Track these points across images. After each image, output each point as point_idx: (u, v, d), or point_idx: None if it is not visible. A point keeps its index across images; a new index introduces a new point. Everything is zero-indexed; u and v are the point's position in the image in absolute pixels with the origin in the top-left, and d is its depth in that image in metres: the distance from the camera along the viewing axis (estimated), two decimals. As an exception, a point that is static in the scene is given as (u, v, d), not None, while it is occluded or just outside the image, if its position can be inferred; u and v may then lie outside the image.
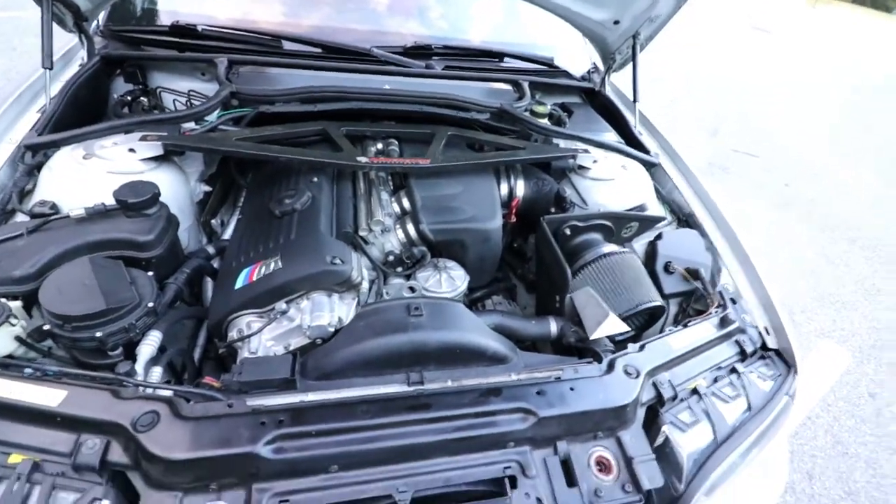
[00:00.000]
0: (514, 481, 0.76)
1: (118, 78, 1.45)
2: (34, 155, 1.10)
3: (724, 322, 1.09)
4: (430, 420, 0.77)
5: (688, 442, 0.90)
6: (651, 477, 0.81)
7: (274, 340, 0.92)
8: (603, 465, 0.83)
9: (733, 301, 1.18)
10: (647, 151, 1.54)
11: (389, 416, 0.76)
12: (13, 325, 0.79)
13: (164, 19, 1.54)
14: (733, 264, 1.29)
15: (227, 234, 1.26)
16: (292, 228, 1.02)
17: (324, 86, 1.33)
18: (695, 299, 1.22)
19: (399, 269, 1.11)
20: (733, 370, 1.05)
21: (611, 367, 0.92)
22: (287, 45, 1.49)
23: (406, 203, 1.18)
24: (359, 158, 1.13)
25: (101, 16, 1.51)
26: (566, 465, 0.81)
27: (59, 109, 1.18)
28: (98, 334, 0.80)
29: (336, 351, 0.82)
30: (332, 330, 0.90)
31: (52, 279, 0.82)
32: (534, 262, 1.42)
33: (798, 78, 8.21)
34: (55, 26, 1.27)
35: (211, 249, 1.15)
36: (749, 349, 1.09)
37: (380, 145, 1.30)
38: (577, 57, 1.93)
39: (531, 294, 1.47)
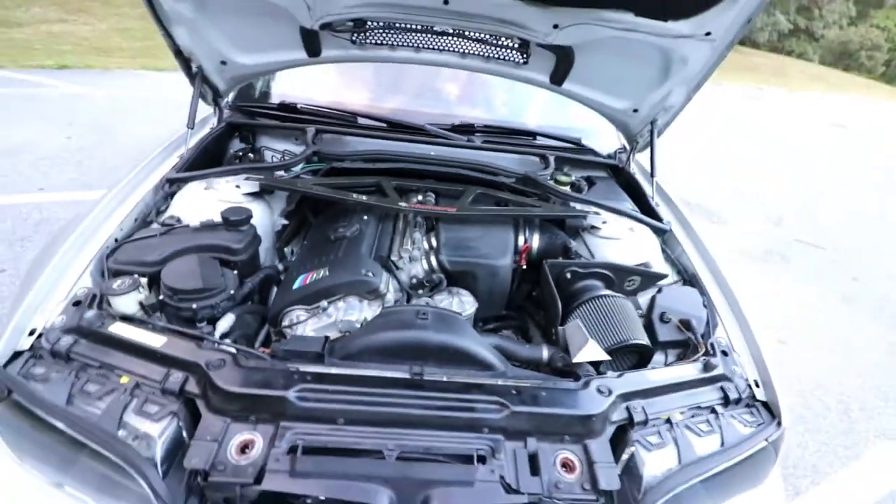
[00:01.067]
0: (483, 459, 0.91)
1: (235, 139, 1.92)
2: (171, 185, 1.51)
3: (707, 367, 1.19)
4: (421, 398, 0.96)
5: (651, 460, 0.99)
6: (609, 480, 0.91)
7: (315, 331, 1.17)
8: (567, 466, 0.95)
9: (724, 353, 1.27)
10: (659, 219, 1.72)
11: (389, 389, 0.96)
12: (140, 294, 1.12)
13: (274, 99, 2.03)
14: (731, 323, 1.38)
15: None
16: (340, 249, 1.31)
17: (382, 150, 1.69)
18: (691, 350, 1.32)
19: (420, 292, 1.35)
20: (713, 411, 1.13)
21: (586, 385, 1.06)
22: (360, 120, 1.90)
23: (433, 241, 1.44)
24: (401, 204, 1.44)
25: (231, 94, 2.04)
26: (533, 459, 0.94)
27: (193, 156, 1.62)
28: (193, 306, 1.10)
29: (356, 338, 1.06)
30: (358, 326, 1.14)
31: (170, 265, 1.15)
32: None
33: (872, 174, 7.87)
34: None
35: (280, 267, 1.47)
36: (733, 396, 1.16)
37: (420, 197, 1.60)
38: (608, 138, 2.20)
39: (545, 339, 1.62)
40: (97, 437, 0.85)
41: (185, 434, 0.91)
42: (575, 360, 1.12)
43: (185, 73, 1.70)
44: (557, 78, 1.75)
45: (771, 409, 1.18)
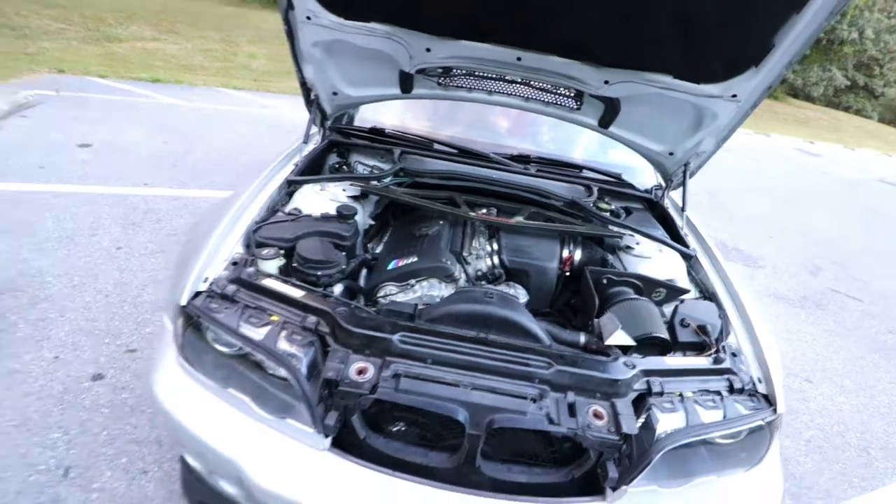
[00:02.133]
0: (534, 399, 1.22)
1: (332, 154, 2.34)
2: (290, 186, 1.93)
3: (716, 360, 1.45)
4: (488, 352, 1.28)
5: (664, 419, 1.27)
6: (629, 426, 1.20)
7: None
8: (597, 415, 1.24)
9: (734, 354, 1.52)
10: (686, 246, 2.00)
11: (464, 344, 1.29)
12: (280, 261, 1.50)
13: (365, 123, 2.46)
14: (742, 335, 1.64)
15: (377, 252, 1.96)
16: (424, 243, 1.67)
17: (455, 171, 2.06)
18: (704, 354, 1.59)
19: (483, 283, 1.68)
20: (719, 394, 1.39)
21: (615, 359, 1.35)
22: (436, 146, 2.30)
23: (495, 245, 1.79)
24: (470, 213, 1.79)
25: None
26: (571, 406, 1.24)
27: (305, 165, 2.04)
28: (318, 273, 1.47)
29: (438, 308, 1.40)
30: (438, 300, 1.48)
31: (302, 242, 1.54)
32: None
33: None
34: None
35: (369, 256, 1.84)
36: (738, 386, 1.42)
37: (484, 210, 1.95)
38: (648, 175, 2.52)
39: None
40: (264, 349, 1.22)
41: (318, 359, 1.27)
42: (606, 342, 1.42)
43: (304, 99, 2.15)
44: (605, 122, 2.09)
45: (770, 401, 1.42)
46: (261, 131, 6.32)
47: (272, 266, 1.49)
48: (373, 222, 2.02)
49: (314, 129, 2.37)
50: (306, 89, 2.10)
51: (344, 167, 2.27)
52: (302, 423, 1.21)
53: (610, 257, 1.82)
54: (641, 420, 1.28)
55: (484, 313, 1.37)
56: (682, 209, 2.18)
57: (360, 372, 1.21)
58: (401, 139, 2.32)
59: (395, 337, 1.26)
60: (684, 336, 1.59)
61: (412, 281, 1.53)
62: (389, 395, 1.16)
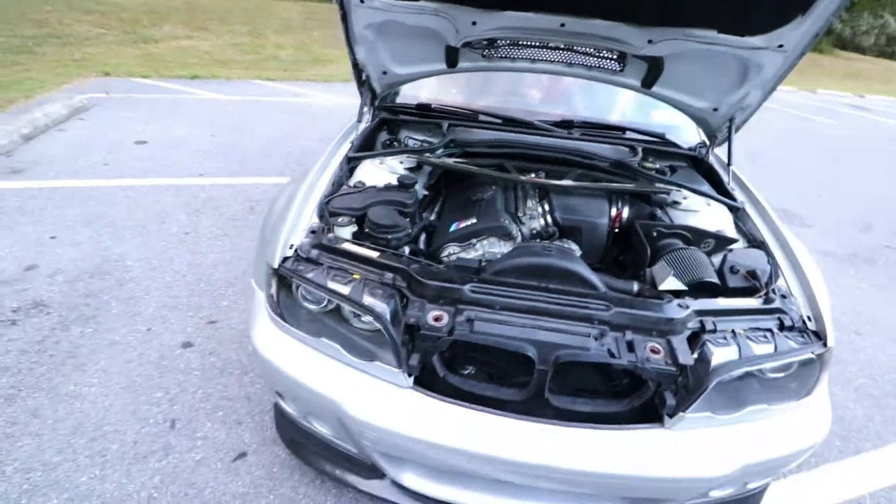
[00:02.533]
0: (595, 338, 1.34)
1: (383, 131, 2.48)
2: (349, 162, 2.08)
3: (767, 300, 1.53)
4: (552, 298, 1.40)
5: (718, 352, 1.36)
6: (685, 357, 1.30)
7: (465, 261, 1.66)
8: (654, 351, 1.35)
9: (783, 296, 1.59)
10: (734, 199, 2.04)
11: (529, 292, 1.41)
12: (353, 227, 1.66)
13: (411, 100, 2.57)
14: (792, 279, 1.69)
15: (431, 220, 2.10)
16: (482, 206, 1.79)
17: (503, 139, 2.16)
18: (754, 296, 1.65)
19: (538, 241, 1.79)
20: (770, 331, 1.47)
21: (669, 301, 1.45)
22: (482, 117, 2.39)
23: (546, 206, 1.89)
24: (521, 177, 1.90)
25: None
26: (630, 343, 1.35)
27: (360, 142, 2.19)
28: (388, 237, 1.62)
29: (502, 261, 1.52)
30: (499, 257, 1.61)
31: (372, 210, 1.69)
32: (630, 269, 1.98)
33: None
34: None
35: (429, 221, 1.98)
36: (788, 324, 1.49)
37: (533, 174, 2.05)
38: (691, 132, 2.54)
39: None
40: (353, 302, 1.38)
41: (398, 310, 1.42)
42: (660, 287, 1.52)
43: (356, 80, 2.28)
44: (648, 82, 2.13)
45: (820, 336, 1.48)
46: (297, 119, 6.53)
47: (346, 232, 1.65)
48: (427, 192, 2.16)
49: (365, 109, 2.51)
50: (358, 71, 2.22)
51: (395, 143, 2.40)
52: (388, 365, 1.37)
53: (658, 212, 1.89)
54: (696, 354, 1.38)
55: (544, 265, 1.49)
56: (728, 164, 2.21)
57: (437, 319, 1.35)
58: (448, 113, 2.42)
59: (466, 287, 1.39)
60: (734, 282, 1.66)
61: (473, 240, 1.66)
62: (465, 336, 1.30)
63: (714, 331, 1.41)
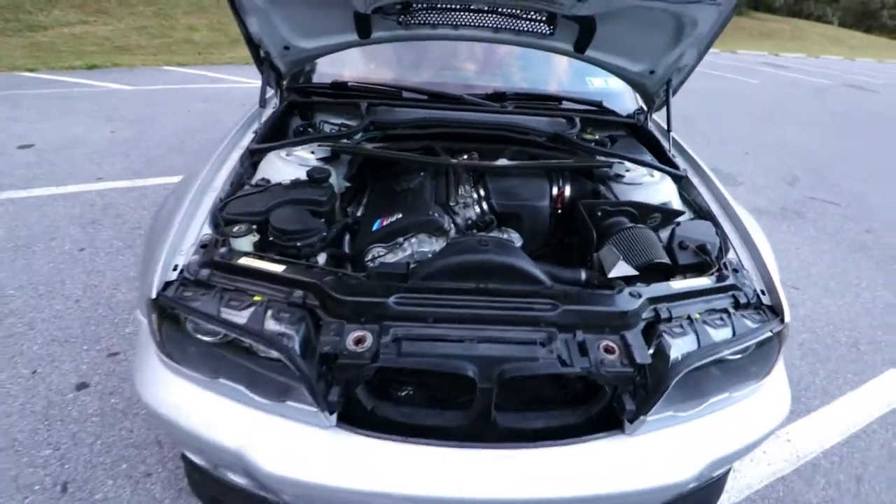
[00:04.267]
0: (542, 344, 1.16)
1: (295, 116, 2.17)
2: (252, 155, 1.77)
3: (720, 278, 1.42)
4: (490, 302, 1.21)
5: (675, 344, 1.23)
6: (643, 356, 1.16)
7: (393, 264, 1.43)
8: (608, 350, 1.19)
9: (735, 270, 1.49)
10: (676, 167, 1.93)
11: (464, 297, 1.21)
12: (253, 237, 1.38)
13: (326, 78, 2.26)
14: (741, 249, 1.60)
15: (358, 215, 1.85)
16: (408, 197, 1.56)
17: (429, 118, 1.92)
18: (707, 273, 1.55)
19: (474, 231, 1.59)
20: (725, 311, 1.36)
21: (620, 291, 1.29)
22: (405, 94, 2.13)
23: (481, 191, 1.69)
24: (451, 160, 1.68)
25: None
26: (581, 345, 1.19)
27: (266, 131, 1.88)
28: (297, 244, 1.36)
29: (432, 262, 1.31)
30: (430, 257, 1.39)
31: (276, 213, 1.41)
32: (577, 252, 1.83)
33: (890, 134, 7.85)
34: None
35: (350, 220, 1.73)
36: (743, 301, 1.39)
37: (465, 155, 1.84)
38: (627, 99, 2.41)
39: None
40: (252, 334, 1.12)
41: (311, 334, 1.18)
42: (609, 275, 1.37)
43: (254, 59, 1.95)
44: (581, 46, 1.96)
45: (776, 311, 1.40)
46: (215, 106, 5.95)
47: (246, 243, 1.37)
48: (349, 184, 1.90)
49: (270, 92, 2.18)
50: (254, 46, 1.90)
51: (309, 129, 2.11)
52: (304, 404, 1.14)
53: (601, 188, 1.74)
54: (653, 348, 1.25)
55: (480, 262, 1.29)
56: (668, 130, 2.10)
57: (358, 341, 1.13)
58: (366, 91, 2.14)
59: (390, 300, 1.17)
60: (684, 258, 1.54)
61: (400, 239, 1.43)
62: (392, 362, 1.08)
63: (669, 319, 1.28)
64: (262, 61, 1.94)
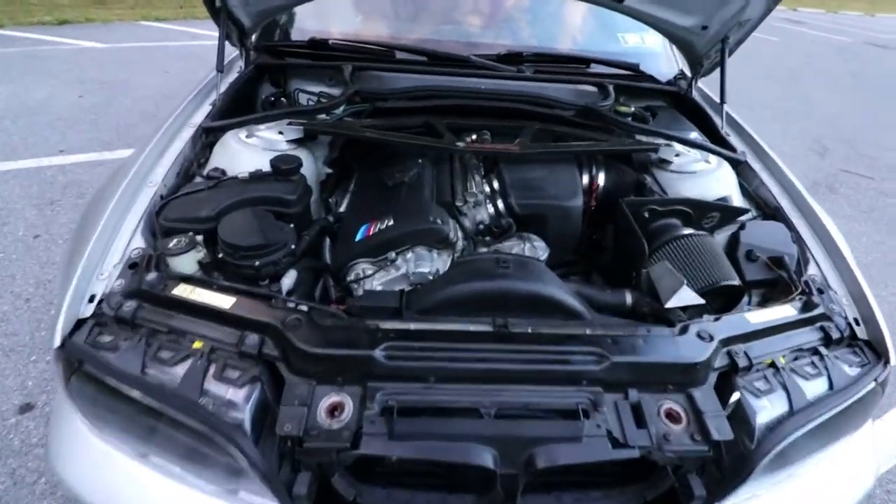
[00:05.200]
0: (586, 413, 0.85)
1: (265, 83, 1.78)
2: (208, 135, 1.41)
3: (806, 306, 1.10)
4: (514, 352, 0.89)
5: (761, 406, 0.93)
6: (720, 429, 0.85)
7: (383, 285, 1.10)
8: (672, 416, 0.89)
9: (820, 291, 1.17)
10: (733, 149, 1.56)
11: (479, 344, 0.89)
12: (198, 253, 1.05)
13: (302, 35, 1.85)
14: (823, 259, 1.27)
15: (342, 209, 1.50)
16: (402, 195, 1.21)
17: (428, 85, 1.54)
18: (779, 290, 1.23)
19: (487, 238, 1.25)
20: (816, 352, 1.05)
21: (684, 330, 0.98)
22: (399, 55, 1.73)
23: (496, 184, 1.33)
24: (458, 143, 1.31)
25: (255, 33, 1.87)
26: (636, 410, 0.89)
27: (225, 103, 1.50)
28: (256, 263, 1.03)
29: (435, 291, 0.98)
30: (431, 278, 1.07)
31: (226, 220, 1.07)
32: (610, 251, 1.49)
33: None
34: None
35: (331, 218, 1.38)
36: (835, 336, 1.08)
37: (474, 136, 1.47)
38: (663, 62, 2.01)
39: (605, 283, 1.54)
40: (181, 406, 0.81)
41: (269, 398, 0.87)
42: (668, 305, 1.04)
43: (208, 9, 1.54)
44: (621, -7, 1.54)
45: (875, 348, 1.09)
46: (195, 66, 5.40)
47: (188, 262, 1.03)
48: (330, 171, 1.54)
49: (234, 52, 1.79)
50: (205, -7, 1.49)
51: (282, 99, 1.72)
52: (261, 497, 0.84)
53: (646, 179, 1.38)
54: (729, 409, 0.94)
55: (499, 291, 0.97)
56: (722, 101, 1.71)
57: (333, 411, 0.82)
58: (351, 50, 1.74)
59: (378, 352, 0.85)
60: (753, 272, 1.22)
61: (391, 254, 1.09)
62: (380, 447, 0.78)
63: (749, 367, 0.97)
64: (219, 12, 1.53)
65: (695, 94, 1.89)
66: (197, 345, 0.90)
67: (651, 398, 0.91)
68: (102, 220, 1.07)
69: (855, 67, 8.81)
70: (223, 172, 1.26)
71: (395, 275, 1.10)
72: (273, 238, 1.06)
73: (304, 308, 0.95)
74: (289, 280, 1.08)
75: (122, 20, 7.58)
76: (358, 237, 1.14)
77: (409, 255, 1.10)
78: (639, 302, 1.13)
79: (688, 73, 1.92)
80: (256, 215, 1.09)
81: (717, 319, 1.02)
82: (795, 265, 1.23)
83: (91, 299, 0.96)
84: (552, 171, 1.33)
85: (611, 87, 1.66)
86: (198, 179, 1.28)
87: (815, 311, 1.09)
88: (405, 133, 1.41)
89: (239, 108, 1.59)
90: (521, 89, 1.57)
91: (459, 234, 1.18)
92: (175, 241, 1.03)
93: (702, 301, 1.06)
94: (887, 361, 1.06)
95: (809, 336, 1.08)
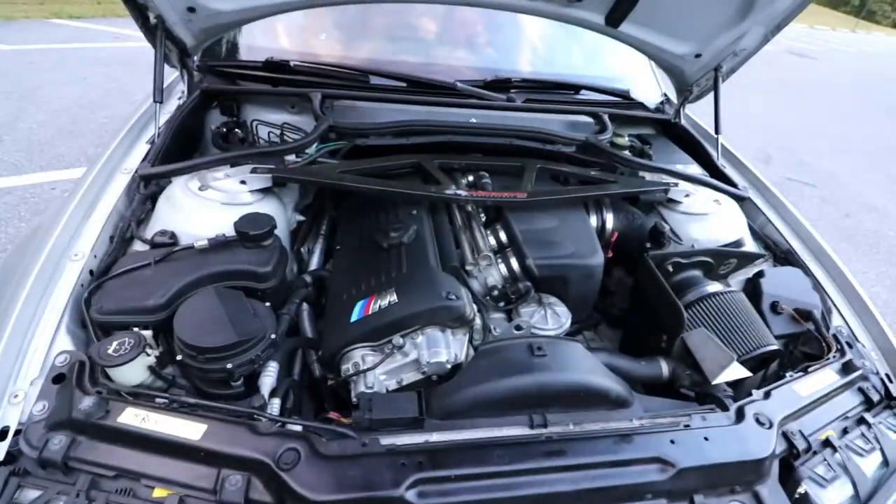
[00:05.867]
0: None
1: (214, 110, 1.51)
2: (147, 185, 1.15)
3: (847, 368, 1.03)
4: (566, 468, 0.74)
5: (828, 498, 0.84)
6: None
7: (387, 375, 0.91)
8: (742, 524, 0.78)
9: (849, 345, 1.11)
10: (734, 185, 1.50)
11: (526, 463, 0.73)
12: (148, 356, 0.81)
13: (254, 55, 1.60)
14: (843, 305, 1.22)
15: (314, 263, 1.28)
16: (402, 262, 1.02)
17: (415, 120, 1.35)
18: (802, 341, 1.16)
19: (502, 304, 1.09)
20: (862, 420, 0.98)
21: (740, 415, 0.87)
22: (373, 80, 1.53)
23: (503, 236, 1.17)
24: (458, 192, 1.14)
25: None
26: None
27: (167, 140, 1.24)
28: (228, 366, 0.81)
29: (461, 390, 0.81)
30: (449, 367, 0.89)
31: (184, 310, 0.84)
32: (618, 297, 1.38)
33: (844, 106, 8.01)
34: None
35: (308, 279, 1.16)
36: (875, 398, 1.02)
37: (471, 178, 1.30)
38: (647, 88, 1.93)
39: (612, 329, 1.43)
40: None
41: None
42: (716, 380, 0.93)
43: (140, 28, 1.27)
44: (615, 18, 1.43)
45: None
46: (119, 73, 4.89)
47: (135, 372, 0.80)
48: (302, 218, 1.32)
49: (173, 75, 1.51)
50: (136, 7, 1.22)
51: (236, 131, 1.47)
52: None
53: (666, 226, 1.26)
54: (795, 500, 0.84)
55: (537, 387, 0.81)
56: (717, 131, 1.65)
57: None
58: (317, 74, 1.52)
59: (408, 492, 0.67)
60: (780, 327, 1.15)
61: (397, 338, 0.90)
62: None
63: (808, 449, 0.87)
64: (155, 30, 1.27)
65: (682, 121, 1.83)
66: (158, 493, 0.67)
67: (717, 502, 0.79)
68: (14, 312, 0.81)
69: (781, 75, 9.47)
70: (172, 236, 1.01)
71: (402, 362, 0.91)
72: (248, 329, 0.83)
73: (297, 428, 0.74)
74: (270, 378, 0.87)
75: (29, 17, 6.74)
76: (354, 317, 0.94)
77: (420, 338, 0.91)
78: (676, 373, 1.01)
79: (673, 98, 1.85)
80: (223, 299, 0.86)
81: (767, 395, 0.92)
82: (821, 315, 1.16)
83: (4, 433, 0.70)
84: (564, 221, 1.19)
85: (606, 118, 1.55)
86: (138, 246, 1.02)
87: (856, 374, 1.02)
88: (392, 177, 1.22)
89: (185, 145, 1.33)
90: (514, 122, 1.42)
91: (474, 307, 1.00)
92: (116, 343, 0.78)
93: (749, 374, 0.96)
94: (927, 423, 1.01)
95: (851, 400, 1.01)
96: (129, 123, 1.32)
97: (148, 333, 0.84)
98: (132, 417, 0.72)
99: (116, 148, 1.22)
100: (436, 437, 0.75)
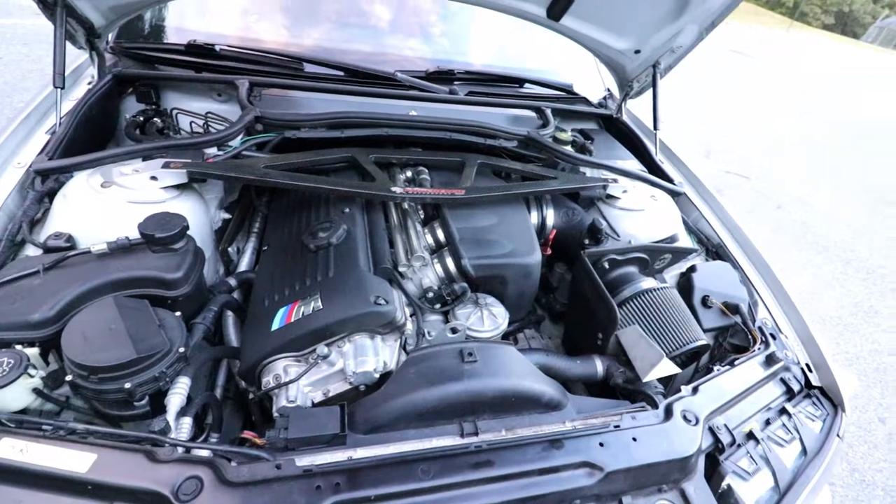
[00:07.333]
0: (583, 544, 0.71)
1: (129, 97, 1.38)
2: (44, 181, 1.02)
3: (770, 360, 1.07)
4: (494, 479, 0.72)
5: (750, 491, 0.86)
6: None
7: (312, 386, 0.86)
8: (669, 520, 0.79)
9: (773, 337, 1.16)
10: (670, 180, 1.53)
11: (452, 476, 0.70)
12: (31, 377, 0.72)
13: (178, 37, 1.47)
14: (768, 297, 1.27)
15: (244, 263, 1.20)
16: (330, 264, 0.96)
17: (350, 111, 1.28)
18: (731, 334, 1.20)
19: (438, 306, 1.05)
20: (783, 411, 1.02)
21: (668, 413, 0.88)
22: (308, 68, 1.45)
23: (440, 235, 1.13)
24: (393, 189, 1.09)
25: (112, 32, 1.45)
26: None
27: (70, 131, 1.11)
28: (127, 385, 0.73)
29: (387, 401, 0.77)
30: (377, 376, 0.84)
31: (74, 324, 0.75)
32: (560, 293, 1.38)
33: (778, 102, 8.50)
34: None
35: (232, 282, 1.08)
36: (795, 388, 1.07)
37: (409, 173, 1.26)
38: (591, 83, 1.94)
39: (555, 325, 1.43)
40: None
41: None
42: (647, 378, 0.93)
43: (38, 5, 1.13)
44: (556, 11, 1.42)
45: (829, 395, 1.09)
46: (38, 52, 4.45)
47: (17, 396, 0.70)
48: (227, 216, 1.23)
49: (78, 57, 1.37)
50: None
51: (154, 120, 1.34)
52: None
53: (603, 222, 1.26)
54: (719, 494, 0.86)
55: (469, 395, 0.78)
56: (655, 126, 1.67)
57: None
58: (245, 60, 1.42)
59: None
60: (710, 320, 1.18)
61: (322, 346, 0.84)
62: None
63: (732, 442, 0.90)
64: (52, 6, 1.13)
65: (624, 117, 1.85)
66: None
67: (645, 501, 0.79)
68: None
69: (722, 73, 9.93)
70: (69, 239, 0.91)
71: (327, 372, 0.85)
72: (150, 344, 0.75)
73: (204, 454, 0.68)
74: (179, 396, 0.79)
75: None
76: (275, 325, 0.87)
77: (347, 346, 0.86)
78: (610, 370, 1.01)
79: (615, 93, 1.87)
80: (123, 310, 0.78)
81: (695, 391, 0.94)
82: (747, 309, 1.20)
83: None
84: (503, 218, 1.16)
85: (549, 112, 1.54)
86: (31, 251, 0.91)
87: (778, 365, 1.06)
88: (325, 173, 1.15)
89: (94, 137, 1.20)
90: (455, 116, 1.38)
91: (407, 311, 0.96)
92: (-8, 365, 0.69)
93: (679, 371, 0.97)
94: (843, 409, 1.06)
95: (774, 391, 1.05)
96: (27, 111, 1.18)
97: (34, 351, 0.75)
98: (8, 449, 0.63)
99: (9, 138, 1.09)
100: (359, 453, 0.71)
